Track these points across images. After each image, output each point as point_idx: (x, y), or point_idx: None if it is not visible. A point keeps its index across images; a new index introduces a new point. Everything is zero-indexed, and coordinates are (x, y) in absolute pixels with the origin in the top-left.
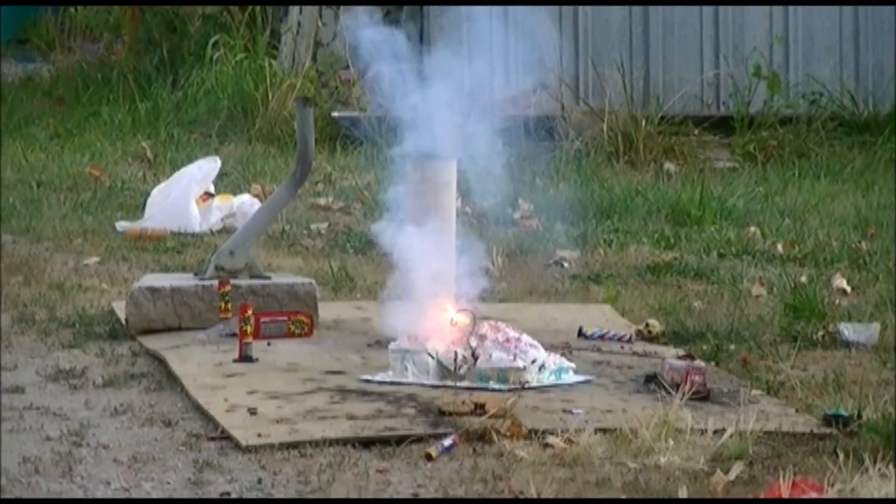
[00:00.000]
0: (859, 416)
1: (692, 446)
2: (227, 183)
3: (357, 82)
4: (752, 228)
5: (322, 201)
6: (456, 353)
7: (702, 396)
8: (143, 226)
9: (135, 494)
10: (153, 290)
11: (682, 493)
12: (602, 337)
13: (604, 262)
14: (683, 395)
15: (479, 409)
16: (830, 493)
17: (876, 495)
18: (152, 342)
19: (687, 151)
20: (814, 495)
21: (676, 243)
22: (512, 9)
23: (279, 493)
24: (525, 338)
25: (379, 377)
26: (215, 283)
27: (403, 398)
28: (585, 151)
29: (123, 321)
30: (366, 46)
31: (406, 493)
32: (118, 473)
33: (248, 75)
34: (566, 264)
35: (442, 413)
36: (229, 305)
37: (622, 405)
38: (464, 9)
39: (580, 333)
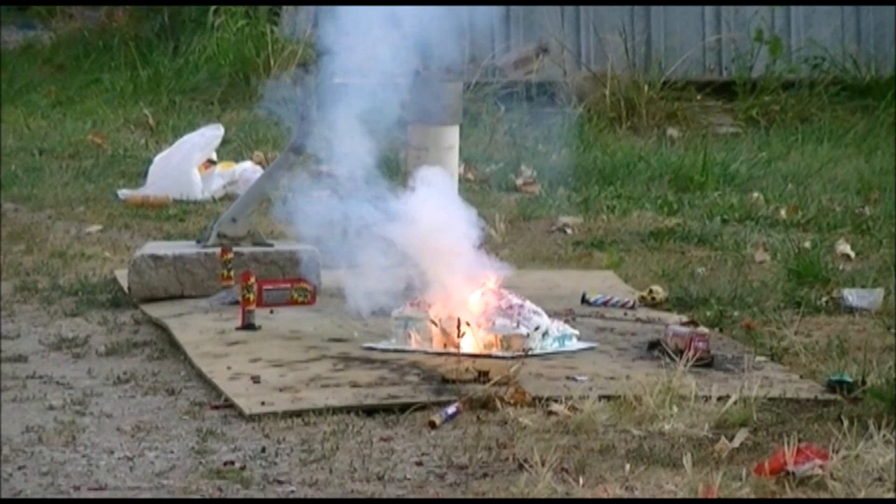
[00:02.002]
0: (863, 382)
1: (696, 413)
2: (228, 150)
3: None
4: (755, 194)
5: (324, 167)
6: (459, 321)
7: (705, 363)
8: (145, 193)
9: (138, 463)
10: (155, 258)
11: (686, 461)
12: (605, 303)
13: (606, 228)
14: (687, 361)
15: (483, 376)
16: (834, 460)
17: (880, 461)
18: (154, 310)
19: (689, 116)
20: (818, 462)
21: (679, 209)
22: None
23: (283, 462)
24: (528, 304)
25: (382, 345)
26: (217, 250)
27: (406, 366)
28: (587, 117)
29: (126, 289)
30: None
31: (410, 461)
32: (121, 442)
33: (250, 41)
34: (569, 230)
35: (445, 381)
36: (231, 273)
37: (626, 372)
38: None
39: (583, 300)
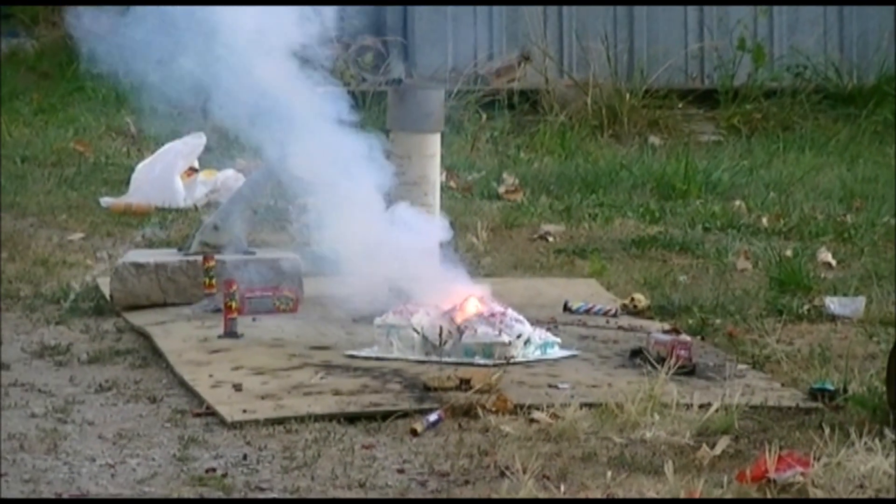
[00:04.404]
0: (845, 390)
1: (678, 420)
2: (211, 158)
3: (341, 56)
4: (738, 202)
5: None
6: (441, 328)
7: (687, 371)
8: (128, 201)
9: (120, 471)
10: (138, 266)
11: (668, 468)
12: (587, 311)
13: (589, 236)
14: (669, 369)
15: (465, 384)
16: (816, 467)
17: (862, 469)
18: (137, 318)
19: (672, 125)
20: (800, 469)
21: (661, 217)
22: None
23: (265, 469)
24: (510, 312)
25: (364, 352)
26: (200, 258)
27: (389, 373)
28: (570, 125)
29: (108, 297)
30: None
31: (391, 469)
32: (103, 450)
33: None
34: (551, 238)
35: (427, 388)
36: (214, 281)
37: (608, 380)
38: None
39: (565, 308)
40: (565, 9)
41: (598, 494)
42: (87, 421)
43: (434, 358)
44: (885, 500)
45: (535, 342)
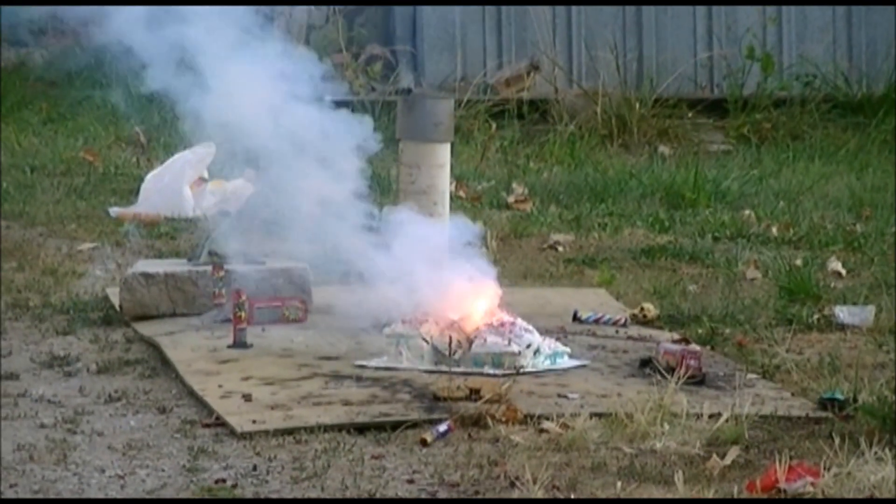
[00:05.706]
0: (855, 400)
1: (688, 431)
2: (220, 167)
3: (350, 66)
4: (747, 211)
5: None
6: (450, 338)
7: (697, 380)
8: (137, 210)
9: (129, 482)
10: (147, 276)
11: (678, 478)
12: (597, 321)
13: (598, 246)
14: (679, 379)
15: (474, 394)
16: (826, 477)
17: (872, 479)
18: (146, 328)
19: (681, 134)
20: (809, 479)
21: (671, 226)
22: None
23: (274, 480)
24: (520, 322)
25: (374, 362)
26: (209, 268)
27: (398, 383)
28: (579, 134)
29: (117, 307)
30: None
31: (401, 479)
32: (113, 460)
33: None
34: (560, 248)
35: (437, 398)
36: (223, 291)
37: (617, 389)
38: None
39: (575, 317)
40: (574, 17)
41: None
42: (97, 431)
43: (443, 368)
44: None
45: (544, 352)
